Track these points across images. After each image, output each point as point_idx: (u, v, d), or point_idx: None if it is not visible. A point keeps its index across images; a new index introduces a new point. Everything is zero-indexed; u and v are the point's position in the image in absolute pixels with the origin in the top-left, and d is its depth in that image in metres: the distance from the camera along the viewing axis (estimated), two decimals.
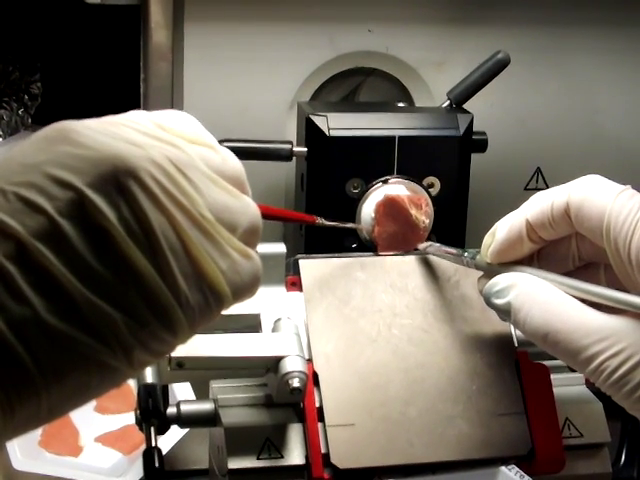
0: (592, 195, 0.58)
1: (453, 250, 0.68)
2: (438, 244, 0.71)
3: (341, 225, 0.73)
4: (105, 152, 0.42)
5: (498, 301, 0.59)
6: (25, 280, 0.40)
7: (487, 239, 0.62)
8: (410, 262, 0.71)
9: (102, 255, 0.41)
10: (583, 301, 0.56)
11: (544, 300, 0.57)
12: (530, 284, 0.58)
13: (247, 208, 0.47)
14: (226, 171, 0.47)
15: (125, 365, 0.42)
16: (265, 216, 0.49)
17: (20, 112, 1.22)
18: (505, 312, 0.59)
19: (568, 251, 0.62)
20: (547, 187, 0.97)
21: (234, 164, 0.48)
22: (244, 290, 0.46)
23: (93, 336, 0.41)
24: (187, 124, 0.48)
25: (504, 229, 0.61)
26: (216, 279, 0.44)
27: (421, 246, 0.72)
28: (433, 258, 0.71)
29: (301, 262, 0.69)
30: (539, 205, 0.60)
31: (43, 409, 0.41)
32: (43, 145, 0.43)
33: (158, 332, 0.42)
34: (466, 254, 0.65)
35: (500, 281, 0.60)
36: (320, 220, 0.69)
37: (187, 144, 0.46)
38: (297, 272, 0.69)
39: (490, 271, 0.62)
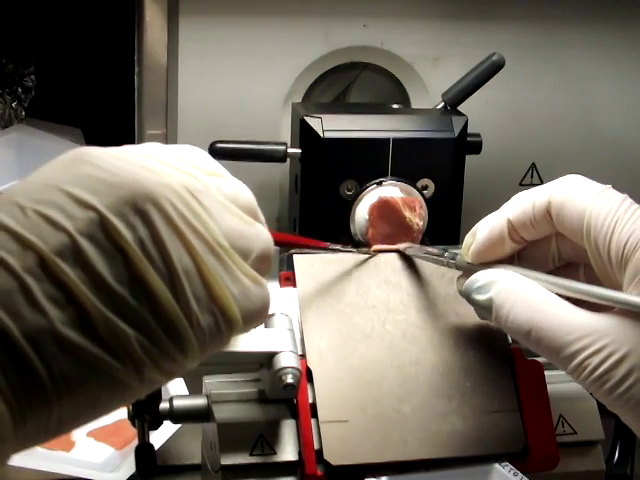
0: (573, 195, 0.58)
1: (434, 250, 0.67)
2: (418, 245, 0.71)
3: (352, 250, 0.73)
4: (124, 176, 0.44)
5: (479, 297, 0.59)
6: (42, 292, 0.41)
7: (468, 239, 0.62)
8: (404, 258, 0.70)
9: (118, 274, 0.42)
10: (565, 299, 0.56)
11: (527, 297, 0.57)
12: (512, 281, 0.58)
13: (260, 235, 0.48)
14: (239, 200, 0.48)
15: (136, 382, 0.43)
16: (277, 243, 0.50)
17: (14, 105, 1.21)
18: (486, 308, 0.58)
19: (548, 251, 0.62)
20: (542, 182, 0.97)
21: (246, 193, 0.49)
22: (254, 315, 0.47)
23: (106, 350, 0.42)
24: (200, 157, 0.49)
25: (485, 229, 0.61)
26: (227, 303, 0.45)
27: (401, 246, 0.71)
28: None
29: (295, 257, 0.69)
30: (521, 205, 0.60)
31: (53, 421, 0.42)
32: (63, 167, 0.44)
33: (169, 351, 0.43)
34: (446, 254, 0.65)
35: (481, 277, 0.59)
36: (332, 246, 0.69)
37: (202, 174, 0.47)
38: (291, 267, 0.69)
39: (470, 271, 0.61)
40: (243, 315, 0.46)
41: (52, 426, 0.42)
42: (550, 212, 0.59)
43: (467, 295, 0.60)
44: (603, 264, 0.57)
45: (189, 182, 0.46)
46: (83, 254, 0.42)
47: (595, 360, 0.53)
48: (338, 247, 0.69)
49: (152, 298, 0.43)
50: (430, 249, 0.68)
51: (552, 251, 0.62)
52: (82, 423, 0.44)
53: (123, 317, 0.42)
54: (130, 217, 0.43)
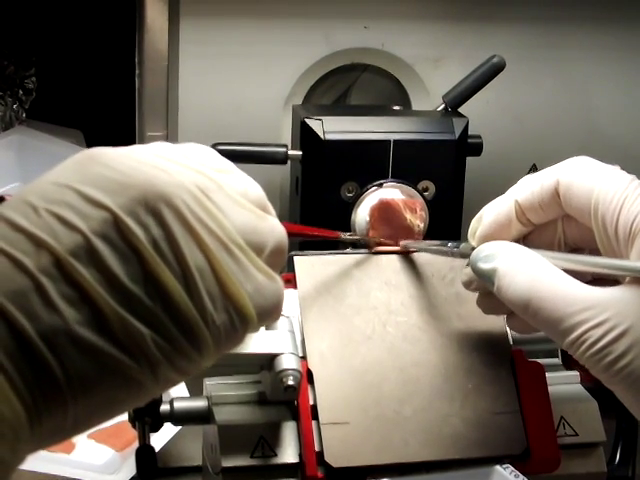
0: (581, 174, 0.58)
1: (437, 242, 0.67)
2: (420, 241, 0.70)
3: (362, 239, 0.73)
4: (136, 176, 0.44)
5: (484, 265, 0.58)
6: (57, 292, 0.41)
7: (474, 224, 0.62)
8: (405, 259, 0.70)
9: (133, 273, 0.42)
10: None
11: (530, 267, 0.56)
12: (517, 252, 0.58)
13: (273, 229, 0.49)
14: (249, 195, 0.48)
15: (151, 381, 0.43)
16: (289, 233, 0.50)
17: (15, 107, 1.21)
18: (489, 277, 0.58)
19: (554, 235, 0.62)
20: None
21: (256, 189, 0.49)
22: (268, 312, 0.48)
23: (121, 349, 0.42)
24: (208, 154, 0.49)
25: (492, 212, 0.61)
26: (242, 300, 0.45)
27: (402, 243, 0.71)
28: (428, 255, 0.70)
29: (296, 259, 0.69)
30: (528, 187, 0.61)
31: (69, 421, 0.42)
32: (75, 167, 0.44)
33: (185, 349, 0.44)
34: (450, 244, 0.65)
35: (486, 247, 0.59)
36: (344, 235, 0.69)
37: (211, 171, 0.47)
38: (292, 269, 0.68)
39: None
40: (258, 312, 0.46)
41: (68, 426, 0.42)
42: (558, 192, 0.59)
43: (473, 264, 0.59)
44: (609, 242, 0.56)
45: (200, 180, 0.46)
46: (97, 254, 0.42)
47: (596, 333, 0.52)
48: (350, 238, 0.69)
49: (166, 297, 0.43)
50: (432, 242, 0.68)
51: (558, 235, 0.62)
52: (98, 423, 0.44)
53: (138, 316, 0.42)
54: (143, 216, 0.43)
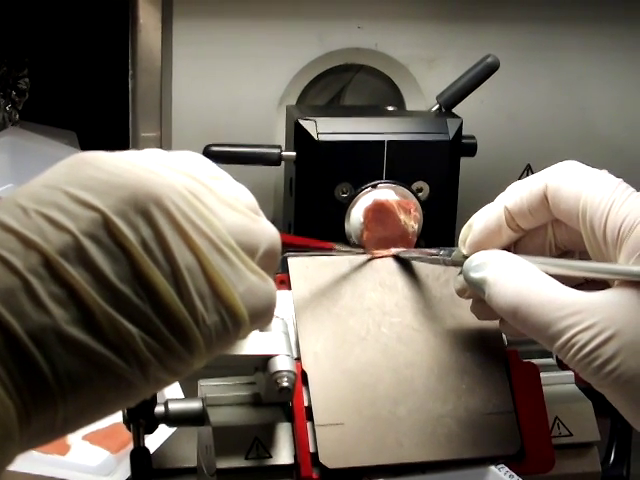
0: (569, 178, 0.59)
1: (429, 250, 0.67)
2: (412, 249, 0.71)
3: (354, 251, 0.73)
4: (126, 177, 0.44)
5: (475, 275, 0.59)
6: (46, 291, 0.41)
7: (464, 231, 0.63)
8: (399, 260, 0.70)
9: (122, 272, 0.43)
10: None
11: (519, 274, 0.57)
12: (506, 259, 0.58)
13: (265, 231, 0.49)
14: (241, 200, 0.49)
15: (141, 380, 0.43)
16: (284, 244, 0.50)
17: (8, 108, 1.21)
18: (480, 286, 0.58)
19: (544, 241, 0.62)
20: None
21: (247, 196, 0.50)
22: (260, 313, 0.48)
23: (110, 349, 0.42)
24: (201, 161, 0.50)
25: (482, 220, 0.62)
26: (233, 301, 0.46)
27: (394, 250, 0.71)
28: None
29: (290, 260, 0.69)
30: (517, 193, 0.61)
31: (58, 420, 0.42)
32: (65, 170, 0.45)
33: (175, 349, 0.44)
34: (442, 252, 0.65)
35: (477, 257, 0.60)
36: (338, 247, 0.69)
37: (203, 176, 0.48)
38: (286, 270, 0.68)
39: None
40: (250, 313, 0.46)
41: (57, 425, 0.42)
42: (547, 197, 0.59)
43: (465, 273, 0.60)
44: (598, 245, 0.57)
45: (190, 183, 0.46)
46: (86, 254, 0.42)
47: (584, 337, 0.53)
48: (344, 249, 0.69)
49: (156, 296, 0.43)
50: (425, 250, 0.68)
51: (548, 239, 0.62)
52: (88, 422, 0.44)
53: (127, 316, 0.42)
54: (132, 217, 0.43)
